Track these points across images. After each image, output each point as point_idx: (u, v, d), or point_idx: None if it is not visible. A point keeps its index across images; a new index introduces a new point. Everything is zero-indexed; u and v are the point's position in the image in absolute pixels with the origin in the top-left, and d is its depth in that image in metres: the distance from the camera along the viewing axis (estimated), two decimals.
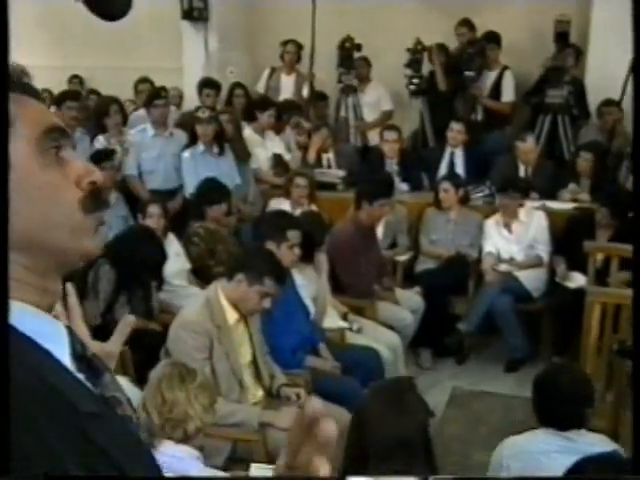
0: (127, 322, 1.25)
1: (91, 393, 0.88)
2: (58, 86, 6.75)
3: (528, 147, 5.40)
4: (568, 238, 4.76)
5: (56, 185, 0.90)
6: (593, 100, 5.86)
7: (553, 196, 5.25)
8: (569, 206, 5.10)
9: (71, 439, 0.79)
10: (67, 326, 0.92)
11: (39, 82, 7.30)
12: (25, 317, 0.83)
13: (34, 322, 0.84)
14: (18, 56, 4.73)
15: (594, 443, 2.42)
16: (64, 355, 0.87)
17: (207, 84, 6.26)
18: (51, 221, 0.88)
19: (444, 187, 5.04)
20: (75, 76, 7.62)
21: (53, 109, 5.57)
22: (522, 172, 5.44)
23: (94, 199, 0.94)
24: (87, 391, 0.87)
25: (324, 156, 5.86)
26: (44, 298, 0.88)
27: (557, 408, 2.48)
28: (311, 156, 5.78)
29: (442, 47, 6.33)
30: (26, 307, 0.85)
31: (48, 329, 0.87)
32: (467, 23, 6.36)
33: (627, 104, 5.65)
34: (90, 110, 6.25)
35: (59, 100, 5.47)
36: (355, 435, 2.08)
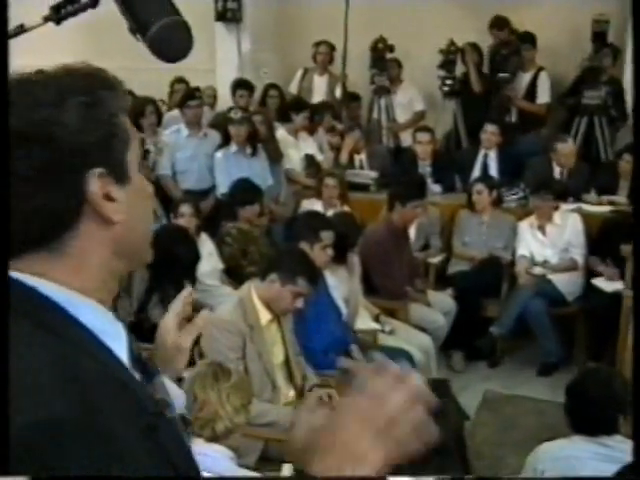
0: (203, 315, 1.30)
1: (151, 394, 0.90)
2: None
3: (568, 149, 5.32)
4: (604, 241, 4.68)
5: (149, 195, 0.96)
6: (631, 101, 5.77)
7: (588, 199, 5.18)
8: (605, 209, 5.02)
9: (140, 437, 0.81)
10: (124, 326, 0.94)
11: None
12: (95, 315, 0.86)
13: (100, 320, 0.87)
14: (55, 57, 4.81)
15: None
16: (123, 355, 0.89)
17: (240, 85, 6.29)
18: (147, 231, 0.95)
19: (477, 189, 5.00)
20: None
21: None
22: (557, 174, 5.37)
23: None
24: (148, 392, 0.90)
25: (356, 157, 5.85)
26: (109, 297, 0.91)
27: (587, 413, 2.45)
28: (344, 157, 5.77)
29: (475, 47, 6.28)
30: (98, 306, 0.87)
31: (110, 328, 0.89)
32: (501, 21, 6.29)
33: None
34: None
35: None
36: None
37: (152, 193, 0.98)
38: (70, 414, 0.73)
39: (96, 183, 0.84)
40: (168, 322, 1.33)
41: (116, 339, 0.88)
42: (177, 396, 1.24)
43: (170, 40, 1.17)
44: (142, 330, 3.68)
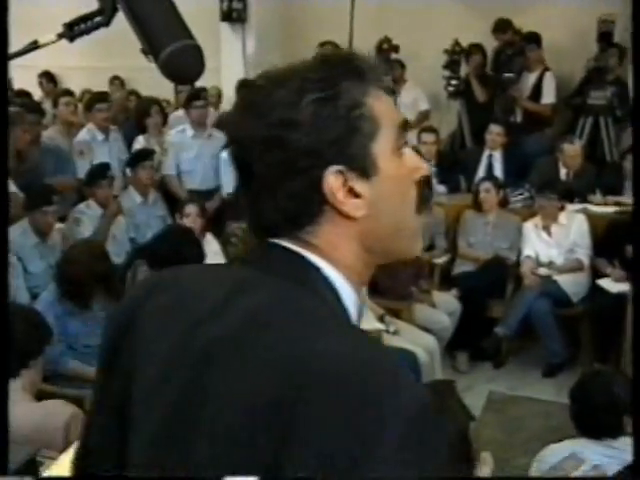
0: None
1: None
2: (99, 87, 6.86)
3: (574, 150, 5.31)
4: (610, 242, 4.67)
5: (408, 184, 0.89)
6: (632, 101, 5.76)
7: (594, 200, 5.17)
8: (611, 210, 5.01)
9: None
10: None
11: (80, 83, 7.45)
12: (354, 310, 0.88)
13: (354, 315, 0.88)
14: (60, 56, 4.82)
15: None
16: None
17: (245, 85, 6.29)
18: (402, 223, 0.89)
19: (485, 187, 4.99)
20: (116, 77, 7.72)
21: (84, 113, 5.67)
22: (563, 175, 5.36)
23: (423, 197, 0.95)
24: None
25: None
26: (359, 288, 0.90)
27: (591, 418, 2.44)
28: None
29: (479, 48, 6.27)
30: (355, 299, 0.88)
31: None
32: (504, 24, 6.29)
33: None
34: (129, 111, 6.33)
35: (89, 104, 5.53)
36: None
37: (410, 175, 0.90)
38: None
39: (335, 181, 0.82)
40: None
41: None
42: None
43: (181, 64, 1.18)
44: None
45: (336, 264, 0.85)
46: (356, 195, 0.83)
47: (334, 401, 0.70)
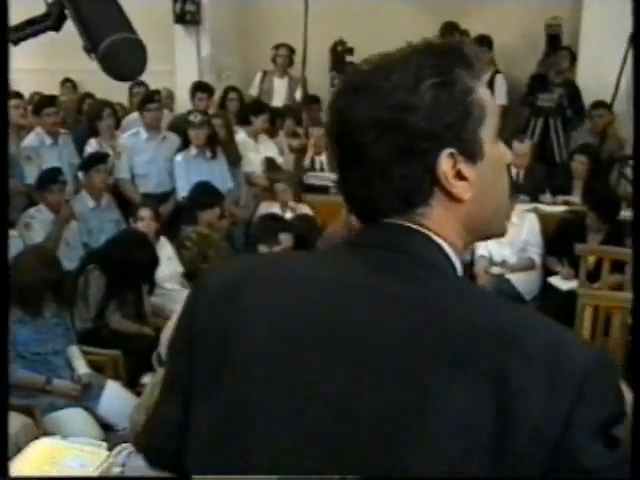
0: None
1: None
2: (51, 90, 6.74)
3: (524, 149, 5.40)
4: (560, 241, 4.78)
5: (504, 169, 0.94)
6: (587, 103, 5.89)
7: (544, 199, 5.28)
8: (561, 209, 5.12)
9: None
10: None
11: (30, 86, 7.30)
12: None
13: None
14: (13, 58, 4.72)
15: None
16: None
17: (200, 88, 6.26)
18: (500, 207, 0.93)
19: None
20: (68, 79, 7.60)
21: (32, 116, 5.56)
22: (514, 175, 5.45)
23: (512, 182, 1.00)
24: None
25: (317, 159, 5.87)
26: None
27: None
28: (308, 157, 5.81)
29: None
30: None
31: None
32: (451, 27, 6.37)
33: (620, 107, 5.68)
34: (82, 113, 6.23)
35: (37, 108, 5.43)
36: None
37: (508, 158, 0.96)
38: None
39: (447, 163, 0.85)
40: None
41: None
42: None
43: (121, 57, 1.14)
44: (100, 337, 3.65)
45: (447, 242, 0.89)
46: (463, 178, 0.86)
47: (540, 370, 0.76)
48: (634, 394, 0.84)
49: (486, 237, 0.98)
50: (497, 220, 0.95)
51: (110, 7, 1.18)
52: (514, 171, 5.44)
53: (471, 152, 0.87)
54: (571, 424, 0.74)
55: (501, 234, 0.98)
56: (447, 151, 0.85)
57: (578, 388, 0.75)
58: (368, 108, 0.85)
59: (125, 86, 6.66)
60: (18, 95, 5.96)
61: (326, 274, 0.88)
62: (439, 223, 0.88)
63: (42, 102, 5.52)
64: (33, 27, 1.19)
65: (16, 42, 1.21)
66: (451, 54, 0.88)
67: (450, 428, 0.75)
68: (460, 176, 0.86)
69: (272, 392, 0.84)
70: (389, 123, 0.84)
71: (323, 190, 5.56)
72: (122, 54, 1.14)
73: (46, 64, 7.53)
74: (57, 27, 1.19)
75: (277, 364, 0.84)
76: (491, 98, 0.91)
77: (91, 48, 1.16)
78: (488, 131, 0.88)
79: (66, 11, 1.18)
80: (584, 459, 0.74)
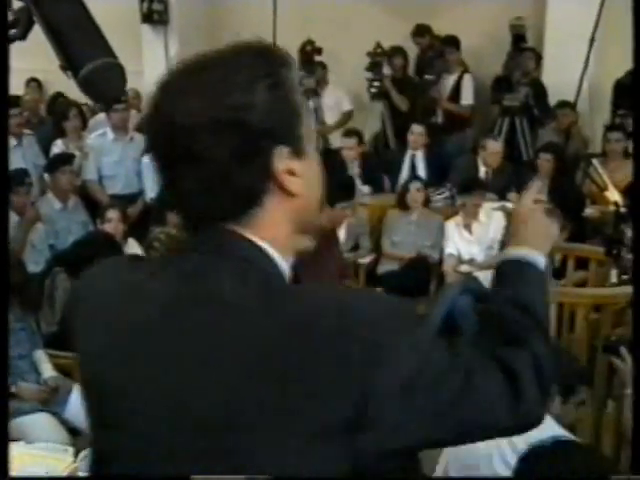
0: None
1: None
2: (15, 89, 6.62)
3: (496, 147, 5.46)
4: None
5: (319, 167, 0.97)
6: (552, 102, 5.97)
7: (511, 197, 5.33)
8: None
9: None
10: None
11: None
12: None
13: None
14: None
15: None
16: None
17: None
18: (321, 201, 0.97)
19: (416, 187, 5.07)
20: (33, 79, 7.48)
21: None
22: (483, 174, 5.51)
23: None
24: None
25: None
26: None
27: None
28: None
29: (400, 52, 6.37)
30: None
31: None
32: (423, 29, 6.42)
33: (583, 106, 5.76)
34: (42, 114, 6.14)
35: None
36: None
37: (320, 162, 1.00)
38: None
39: (282, 160, 0.87)
40: None
41: None
42: None
43: (102, 83, 1.14)
44: (65, 340, 3.60)
45: (274, 243, 0.90)
46: (294, 174, 0.89)
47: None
48: (634, 391, 0.85)
49: (309, 232, 0.99)
50: (319, 216, 0.99)
51: (82, 20, 1.17)
52: (483, 170, 5.51)
53: (299, 148, 0.90)
54: (370, 393, 0.79)
55: (318, 228, 1.02)
56: (281, 148, 0.88)
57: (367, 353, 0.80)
58: (204, 110, 0.85)
59: None
60: None
61: (151, 286, 0.91)
62: (273, 220, 0.90)
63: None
64: None
65: None
66: (273, 55, 0.91)
67: (281, 421, 0.80)
68: (292, 172, 0.89)
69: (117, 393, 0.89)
70: (228, 124, 0.84)
71: None
72: (102, 79, 1.13)
73: (12, 63, 7.40)
74: (24, 36, 1.18)
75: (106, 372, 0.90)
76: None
77: (68, 68, 1.15)
78: (307, 128, 0.93)
79: (35, 21, 1.16)
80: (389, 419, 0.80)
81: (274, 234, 0.90)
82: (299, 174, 0.89)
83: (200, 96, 0.86)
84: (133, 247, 4.26)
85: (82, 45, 1.14)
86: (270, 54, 0.91)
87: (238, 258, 0.88)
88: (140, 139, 5.37)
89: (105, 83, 1.14)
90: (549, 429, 2.23)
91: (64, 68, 1.15)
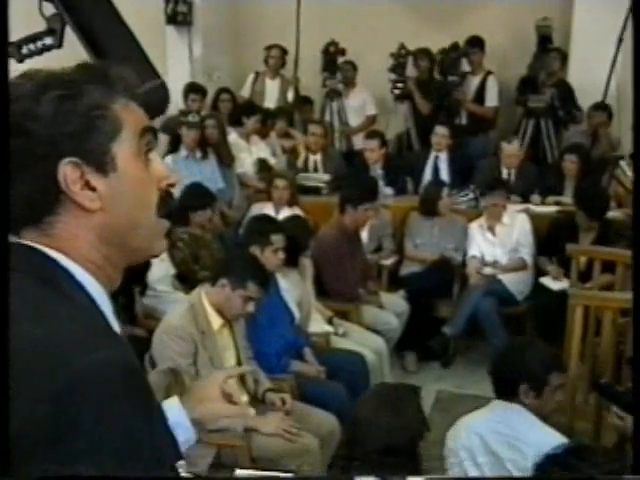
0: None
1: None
2: None
3: (512, 149, 5.42)
4: (551, 241, 4.79)
5: (147, 186, 0.97)
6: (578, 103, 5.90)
7: (535, 200, 5.29)
8: (552, 209, 5.13)
9: (154, 422, 0.87)
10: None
11: None
12: (101, 298, 0.93)
13: (104, 304, 0.94)
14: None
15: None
16: None
17: (193, 89, 6.25)
18: (137, 221, 0.95)
19: (446, 193, 5.02)
20: None
21: None
22: (505, 175, 5.47)
23: (164, 203, 1.00)
24: None
25: (311, 158, 5.86)
26: (108, 285, 0.96)
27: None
28: (301, 160, 5.82)
29: (425, 53, 6.33)
30: (96, 284, 0.93)
31: (110, 315, 0.96)
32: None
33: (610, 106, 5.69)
34: None
35: None
36: (348, 433, 2.09)
37: (153, 181, 0.97)
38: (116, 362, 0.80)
39: (69, 172, 0.88)
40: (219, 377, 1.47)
41: (114, 325, 0.95)
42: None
43: (151, 102, 1.15)
44: None
45: (76, 255, 0.91)
46: (92, 188, 0.90)
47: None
48: (634, 392, 0.84)
49: (133, 254, 0.98)
50: (138, 236, 0.96)
51: (127, 42, 1.17)
52: (505, 171, 5.47)
53: (99, 163, 0.90)
54: None
55: (149, 253, 0.99)
56: (68, 160, 0.88)
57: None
58: None
59: None
60: None
61: None
62: (69, 232, 0.91)
63: None
64: (37, 44, 1.19)
65: (21, 60, 1.21)
66: (90, 72, 0.93)
67: None
68: (89, 186, 0.89)
69: None
70: (13, 129, 0.86)
71: (315, 191, 5.56)
72: (151, 100, 1.16)
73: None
74: (60, 45, 1.19)
75: None
76: (138, 118, 0.95)
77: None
78: (125, 147, 0.92)
79: (67, 25, 1.16)
80: None
81: (73, 245, 0.91)
82: (99, 189, 0.90)
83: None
84: None
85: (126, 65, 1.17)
86: (84, 70, 0.93)
87: (27, 271, 0.88)
88: (163, 139, 5.40)
89: (153, 104, 1.16)
90: (551, 437, 2.22)
91: None
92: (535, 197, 5.28)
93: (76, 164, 0.88)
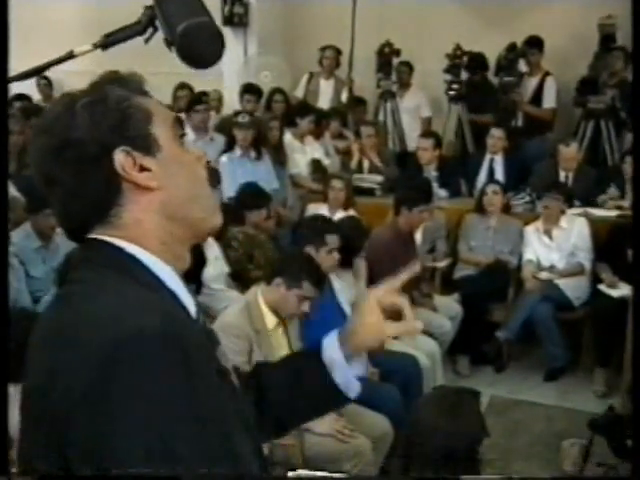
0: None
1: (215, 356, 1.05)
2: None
3: (570, 152, 5.31)
4: (611, 246, 4.67)
5: (194, 163, 1.05)
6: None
7: (595, 203, 5.16)
8: (612, 213, 5.00)
9: (215, 375, 0.97)
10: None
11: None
12: (170, 278, 0.99)
13: (173, 283, 0.99)
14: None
15: None
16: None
17: (248, 90, 6.30)
18: (194, 192, 1.02)
19: (493, 189, 4.98)
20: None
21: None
22: (562, 178, 5.36)
23: (212, 177, 1.09)
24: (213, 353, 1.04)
25: (365, 160, 5.86)
26: (178, 263, 1.02)
27: None
28: (355, 161, 5.82)
29: (480, 56, 6.25)
30: (168, 269, 0.99)
31: (182, 292, 1.01)
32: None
33: None
34: None
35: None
36: (405, 436, 2.07)
37: (196, 160, 1.05)
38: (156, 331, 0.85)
39: (123, 159, 0.96)
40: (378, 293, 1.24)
41: (187, 303, 1.01)
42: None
43: (196, 43, 1.13)
44: None
45: (142, 239, 0.97)
46: (146, 169, 0.97)
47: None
48: (634, 392, 0.82)
49: (195, 226, 1.03)
50: (198, 206, 1.02)
51: None
52: (562, 174, 5.36)
53: (145, 146, 0.98)
54: None
55: (209, 224, 1.04)
56: (120, 149, 0.95)
57: None
58: (41, 142, 0.98)
59: (169, 88, 6.69)
60: None
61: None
62: (135, 218, 0.97)
63: None
64: (125, 32, 1.22)
65: (105, 47, 1.24)
66: (103, 77, 1.02)
67: None
68: (143, 168, 0.97)
69: None
70: (58, 146, 0.95)
71: (369, 192, 5.55)
72: (197, 39, 1.13)
73: (97, 66, 7.61)
74: (143, 31, 1.21)
75: None
76: (161, 106, 1.04)
77: (170, 39, 1.15)
78: (162, 128, 1.00)
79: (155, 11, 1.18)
80: None
81: (139, 230, 0.97)
82: (153, 169, 0.97)
83: (42, 131, 0.98)
84: (212, 246, 4.32)
85: (177, 8, 1.16)
86: (99, 78, 1.02)
87: (100, 264, 0.96)
88: (220, 139, 5.46)
89: (201, 44, 1.14)
90: None
91: (168, 43, 1.16)
92: (607, 201, 5.13)
93: (127, 152, 0.96)
